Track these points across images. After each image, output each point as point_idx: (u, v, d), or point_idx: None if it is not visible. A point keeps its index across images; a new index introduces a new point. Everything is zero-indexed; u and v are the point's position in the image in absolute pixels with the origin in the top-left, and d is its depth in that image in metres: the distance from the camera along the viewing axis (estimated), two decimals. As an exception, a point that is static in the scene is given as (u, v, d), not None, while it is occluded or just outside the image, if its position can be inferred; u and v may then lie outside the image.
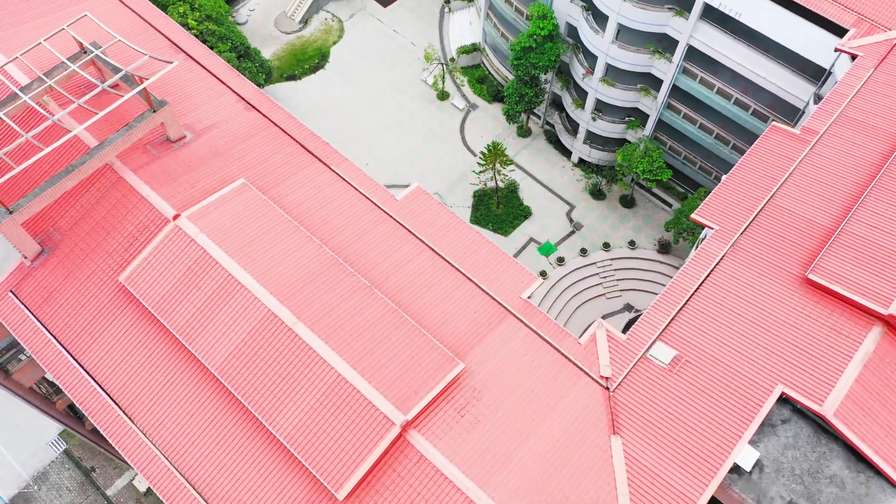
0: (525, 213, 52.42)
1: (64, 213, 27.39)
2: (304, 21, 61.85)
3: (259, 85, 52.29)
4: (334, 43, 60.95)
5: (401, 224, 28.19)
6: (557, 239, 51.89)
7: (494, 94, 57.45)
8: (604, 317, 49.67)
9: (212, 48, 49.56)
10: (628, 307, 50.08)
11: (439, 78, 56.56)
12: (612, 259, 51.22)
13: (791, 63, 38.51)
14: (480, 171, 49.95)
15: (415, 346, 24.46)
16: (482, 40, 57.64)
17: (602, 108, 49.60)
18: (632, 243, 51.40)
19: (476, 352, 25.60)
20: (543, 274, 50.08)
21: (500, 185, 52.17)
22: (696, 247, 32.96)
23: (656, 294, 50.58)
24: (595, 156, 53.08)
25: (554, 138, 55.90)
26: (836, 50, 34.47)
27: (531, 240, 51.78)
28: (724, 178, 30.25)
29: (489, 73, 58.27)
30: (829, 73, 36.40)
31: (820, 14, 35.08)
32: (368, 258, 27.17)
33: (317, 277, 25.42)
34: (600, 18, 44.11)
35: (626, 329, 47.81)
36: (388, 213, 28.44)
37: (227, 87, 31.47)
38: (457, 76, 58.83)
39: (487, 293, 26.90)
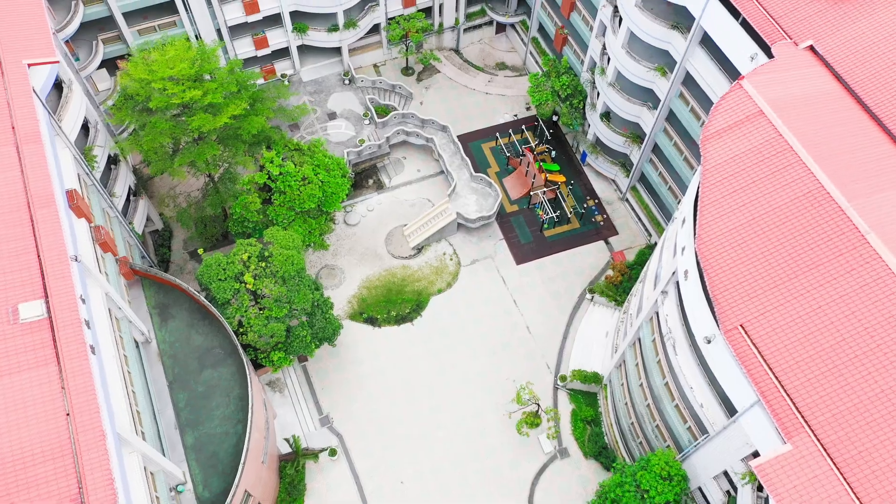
0: None
1: None
2: (419, 248, 51.16)
3: (308, 353, 42.15)
4: (439, 291, 49.63)
5: None
6: None
7: (599, 450, 43.49)
8: None
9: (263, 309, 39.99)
10: None
11: (525, 422, 43.06)
12: None
13: None
14: None
15: None
16: (607, 376, 43.91)
17: None
18: None
19: None
20: None
21: None
22: None
23: None
24: None
25: (645, 551, 41.18)
26: None
27: None
28: None
29: (601, 418, 44.45)
30: None
31: None
32: None
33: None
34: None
35: None
36: None
37: None
38: (560, 402, 45.42)
39: None
